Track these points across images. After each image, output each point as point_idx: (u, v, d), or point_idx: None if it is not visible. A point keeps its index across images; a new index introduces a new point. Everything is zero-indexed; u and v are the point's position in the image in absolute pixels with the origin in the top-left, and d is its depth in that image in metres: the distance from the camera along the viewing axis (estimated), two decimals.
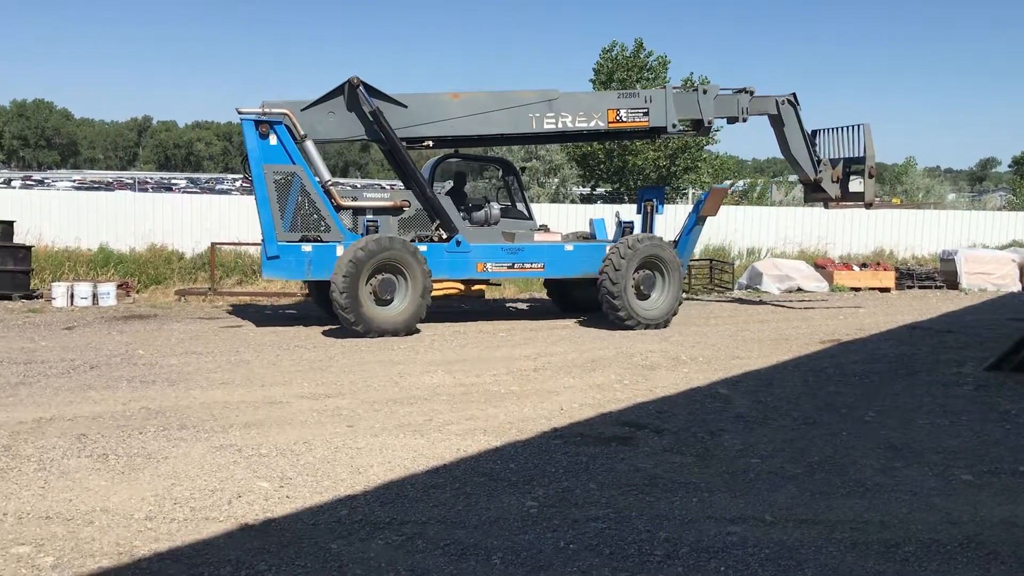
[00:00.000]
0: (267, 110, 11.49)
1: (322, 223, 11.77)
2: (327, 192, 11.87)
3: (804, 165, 14.26)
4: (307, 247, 11.59)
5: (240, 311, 14.50)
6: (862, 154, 14.08)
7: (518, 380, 9.00)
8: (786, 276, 19.13)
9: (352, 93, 11.86)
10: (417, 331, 11.96)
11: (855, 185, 14.34)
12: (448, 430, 6.99)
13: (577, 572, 4.36)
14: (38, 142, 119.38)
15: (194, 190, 65.23)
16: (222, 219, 20.02)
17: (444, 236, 12.42)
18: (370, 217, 12.05)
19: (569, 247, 12.98)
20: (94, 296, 14.82)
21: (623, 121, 13.11)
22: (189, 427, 6.93)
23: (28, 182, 61.67)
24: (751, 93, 13.77)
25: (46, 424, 6.95)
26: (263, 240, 11.64)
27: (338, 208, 11.98)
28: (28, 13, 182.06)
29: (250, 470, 5.89)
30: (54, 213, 19.57)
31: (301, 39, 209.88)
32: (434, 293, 12.56)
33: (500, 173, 14.66)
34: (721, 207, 14.38)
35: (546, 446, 6.60)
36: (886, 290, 19.75)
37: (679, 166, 33.13)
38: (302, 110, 11.74)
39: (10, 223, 15.68)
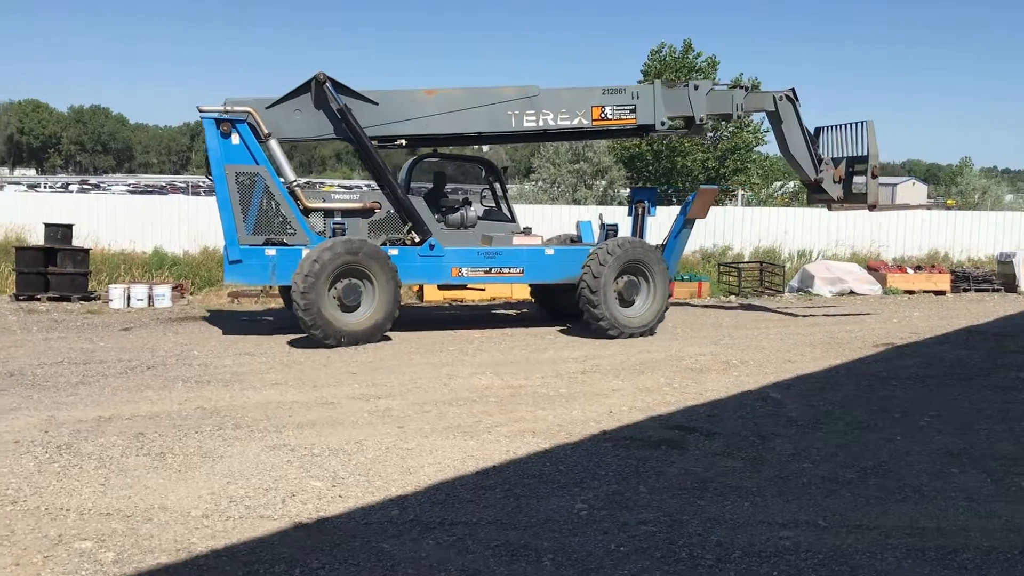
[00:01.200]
0: (229, 108, 11.01)
1: (287, 226, 11.24)
2: (292, 193, 11.38)
3: (804, 165, 13.54)
4: (271, 251, 11.10)
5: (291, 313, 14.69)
6: (865, 153, 13.37)
7: (566, 382, 9.00)
8: (838, 279, 18.86)
9: (319, 90, 11.34)
10: (387, 338, 11.41)
11: (858, 186, 13.68)
12: (497, 432, 7.02)
13: (628, 575, 4.35)
14: (94, 147, 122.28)
15: None
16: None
17: (417, 239, 11.87)
18: (337, 220, 11.56)
19: (550, 251, 12.38)
20: (149, 298, 15.12)
21: (608, 119, 12.51)
22: (243, 427, 7.05)
23: (84, 186, 63.12)
24: (747, 88, 13.26)
25: (105, 423, 7.11)
26: (225, 243, 11.15)
27: (305, 210, 11.48)
28: (84, 19, 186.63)
29: (303, 469, 5.97)
30: (110, 217, 20.02)
31: (363, 41, 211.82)
32: (461, 295, 12.65)
33: (482, 173, 14.08)
34: (711, 209, 13.72)
35: (595, 449, 6.59)
36: (941, 293, 19.37)
37: (728, 167, 32.88)
38: (267, 108, 11.25)
39: (69, 226, 16.06)
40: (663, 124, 12.67)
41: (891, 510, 5.31)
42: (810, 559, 4.54)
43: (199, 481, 5.71)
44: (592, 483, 5.78)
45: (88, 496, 5.40)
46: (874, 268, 20.15)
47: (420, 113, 11.87)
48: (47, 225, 15.77)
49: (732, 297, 17.85)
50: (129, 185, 69.08)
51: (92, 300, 15.47)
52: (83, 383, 8.65)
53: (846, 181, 13.70)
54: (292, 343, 11.20)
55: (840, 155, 13.82)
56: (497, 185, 13.30)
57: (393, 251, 11.47)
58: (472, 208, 12.67)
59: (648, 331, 12.06)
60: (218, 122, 10.92)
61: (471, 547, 4.68)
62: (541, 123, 12.19)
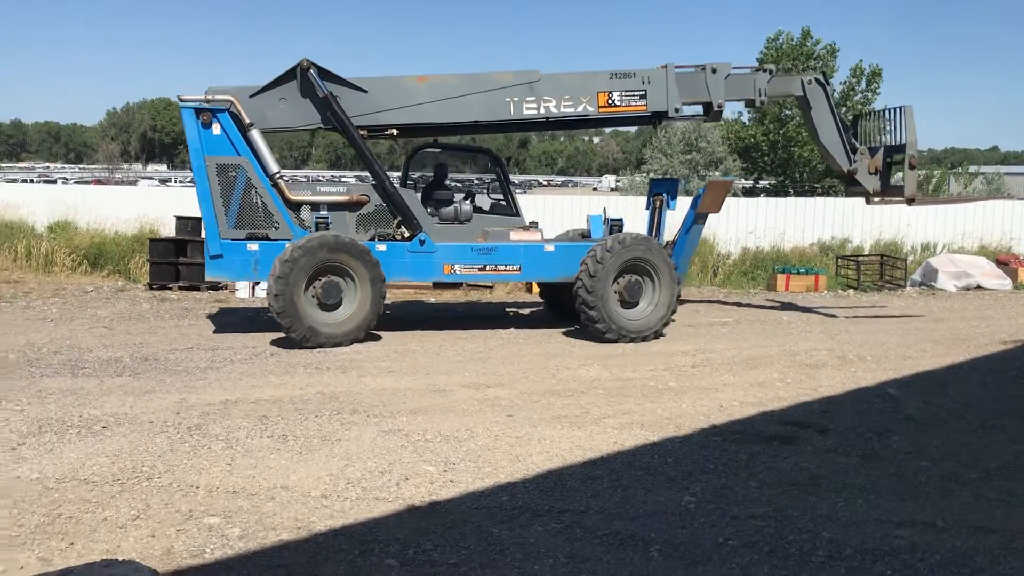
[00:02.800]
0: (210, 97, 10.60)
1: (270, 219, 10.81)
2: (275, 186, 10.84)
3: (836, 154, 12.53)
4: (253, 245, 10.66)
5: (402, 303, 15.05)
6: (903, 141, 12.12)
7: (676, 376, 8.95)
8: (964, 273, 18.05)
9: (304, 77, 10.81)
10: (376, 337, 11.01)
11: (896, 177, 12.60)
12: (605, 423, 7.06)
13: (736, 568, 4.34)
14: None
15: None
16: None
17: (407, 234, 11.27)
18: (320, 213, 10.98)
19: (550, 247, 11.50)
20: None
21: (616, 105, 11.63)
22: (360, 412, 7.30)
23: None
24: (771, 72, 12.28)
25: (232, 406, 7.49)
26: (205, 238, 10.82)
27: (289, 203, 10.95)
28: (201, 14, 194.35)
29: (416, 454, 6.16)
30: None
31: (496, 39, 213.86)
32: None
33: (484, 164, 13.43)
34: (725, 202, 12.65)
35: (705, 442, 6.56)
36: None
37: None
38: (250, 97, 10.79)
39: (198, 219, 16.84)
40: (676, 111, 11.78)
41: (1017, 513, 5.12)
42: (927, 559, 4.43)
43: (318, 463, 5.96)
44: (700, 476, 5.77)
45: (216, 475, 5.72)
46: (1004, 262, 19.19)
47: (411, 101, 11.25)
48: (178, 218, 16.57)
49: (850, 292, 17.31)
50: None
51: (219, 290, 16.19)
52: (211, 368, 9.11)
53: (884, 172, 12.61)
54: (407, 333, 11.49)
55: (878, 144, 12.75)
56: (500, 177, 12.57)
57: (381, 247, 10.95)
58: (467, 201, 11.94)
59: (653, 335, 11.10)
60: (198, 112, 10.53)
61: (578, 535, 4.75)
62: (542, 111, 11.45)
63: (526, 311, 13.52)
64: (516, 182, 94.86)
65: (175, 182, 61.52)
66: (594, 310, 10.74)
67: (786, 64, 32.09)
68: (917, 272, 18.77)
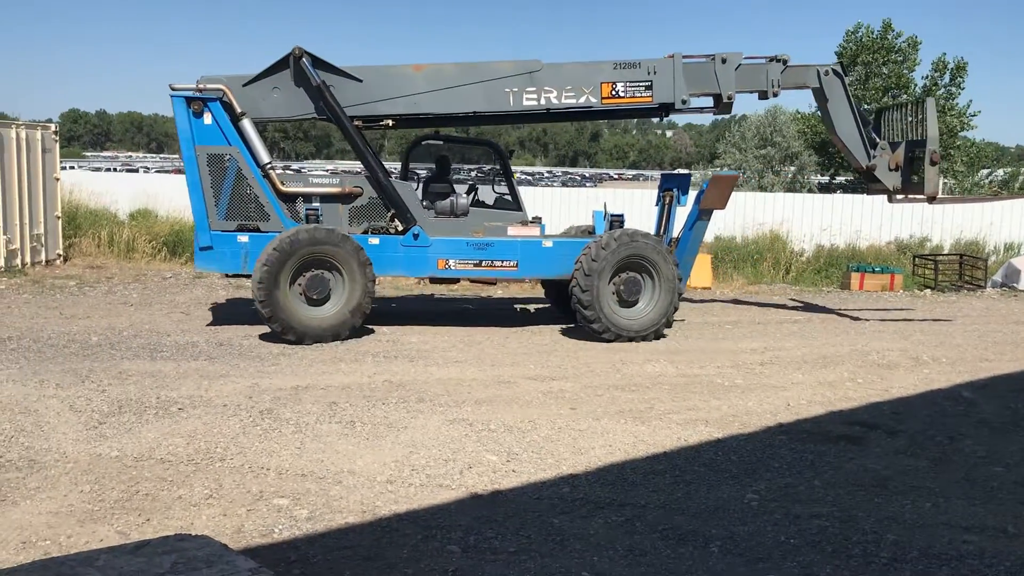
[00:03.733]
0: (202, 86, 10.42)
1: (261, 211, 10.57)
2: (266, 176, 10.59)
3: (853, 149, 11.92)
4: (243, 237, 10.42)
5: (473, 295, 15.17)
6: (925, 136, 11.50)
7: (743, 373, 8.87)
8: None
9: (297, 66, 10.56)
10: (370, 331, 10.76)
11: (919, 174, 11.81)
12: (669, 419, 7.04)
13: (797, 567, 4.31)
14: (296, 134, 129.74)
15: None
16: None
17: (400, 228, 10.96)
18: (311, 205, 10.70)
19: (548, 243, 11.10)
20: None
21: (620, 96, 11.18)
22: (426, 400, 7.42)
23: (288, 172, 67.05)
24: (784, 62, 11.52)
25: (302, 392, 7.68)
26: (195, 229, 10.59)
27: (280, 195, 10.68)
28: (279, 12, 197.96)
29: (480, 444, 6.24)
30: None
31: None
32: None
33: (486, 156, 13.03)
34: (731, 198, 11.93)
35: (770, 441, 6.51)
36: None
37: None
38: (243, 85, 10.56)
39: None
40: (684, 102, 11.30)
41: None
42: (995, 566, 4.33)
43: (385, 449, 6.09)
44: (764, 474, 5.73)
45: (286, 458, 5.88)
46: None
47: (408, 91, 10.93)
48: None
49: (927, 292, 16.88)
50: (327, 171, 72.81)
51: None
52: (283, 354, 9.34)
53: (905, 168, 11.91)
54: (473, 325, 11.59)
55: (900, 139, 12.12)
56: (502, 170, 12.20)
57: (374, 240, 10.68)
58: (464, 195, 11.62)
59: (653, 335, 10.70)
60: (189, 101, 10.32)
61: (639, 528, 4.77)
62: (543, 102, 11.08)
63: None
64: (587, 175, 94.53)
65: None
66: (589, 308, 10.39)
67: (866, 57, 31.33)
68: (998, 273, 18.20)
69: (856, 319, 12.90)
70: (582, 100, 11.17)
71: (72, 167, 37.40)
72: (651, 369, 8.97)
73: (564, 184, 63.67)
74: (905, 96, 31.06)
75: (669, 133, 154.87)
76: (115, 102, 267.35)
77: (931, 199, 11.88)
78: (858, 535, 4.70)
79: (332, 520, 4.85)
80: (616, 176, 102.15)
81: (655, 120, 14.19)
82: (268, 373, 8.41)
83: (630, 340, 10.50)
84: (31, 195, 15.55)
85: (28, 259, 15.47)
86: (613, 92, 11.20)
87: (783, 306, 14.24)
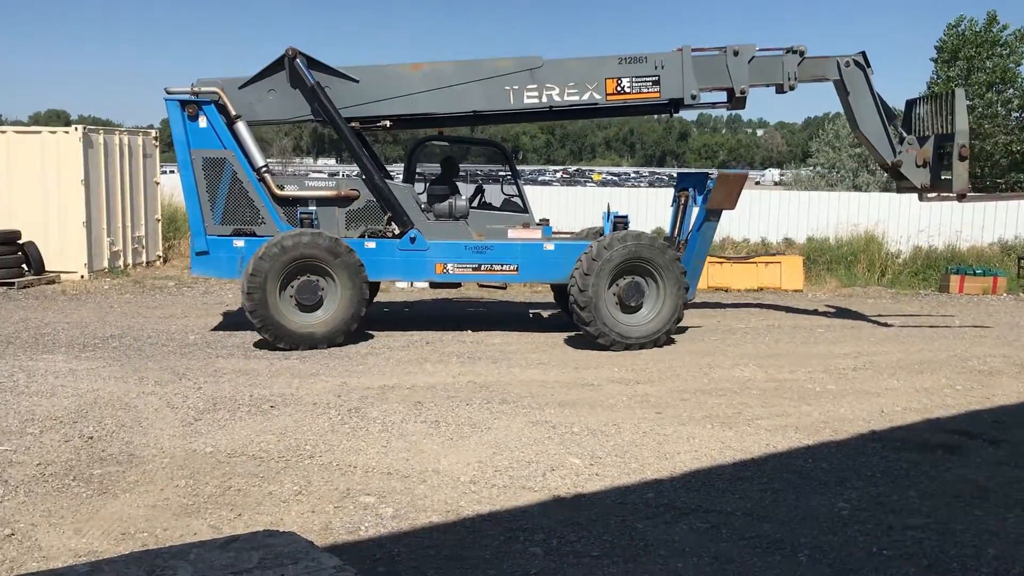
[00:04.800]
0: (197, 89, 10.25)
1: (256, 215, 10.33)
2: (261, 180, 10.36)
3: (877, 144, 11.25)
4: (239, 242, 10.20)
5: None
6: (953, 129, 10.79)
7: (835, 379, 8.64)
8: None
9: (291, 66, 10.35)
10: (370, 335, 10.59)
11: (947, 170, 11.10)
12: (757, 424, 6.91)
13: None
14: (385, 138, 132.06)
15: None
16: (544, 210, 20.93)
17: (397, 231, 10.62)
18: (305, 209, 10.43)
19: (549, 246, 10.61)
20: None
21: (626, 92, 10.73)
22: (509, 402, 7.45)
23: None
24: (801, 53, 10.92)
25: (389, 391, 7.80)
26: (191, 234, 10.49)
27: (276, 198, 10.42)
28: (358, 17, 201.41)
29: (563, 446, 6.23)
30: None
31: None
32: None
33: (492, 158, 12.54)
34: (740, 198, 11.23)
35: (862, 448, 6.32)
36: None
37: None
38: (239, 88, 10.38)
39: None
40: (694, 97, 10.82)
41: None
42: None
43: (468, 450, 6.13)
44: (856, 483, 5.56)
45: (372, 456, 5.98)
46: None
47: (405, 90, 10.62)
48: None
49: None
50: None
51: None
52: (371, 354, 9.50)
53: (935, 164, 11.19)
54: (555, 326, 11.58)
55: (928, 132, 11.37)
56: (507, 171, 11.81)
57: (370, 244, 10.41)
58: (462, 197, 11.22)
59: (656, 342, 10.19)
60: (184, 104, 10.15)
61: (724, 536, 4.69)
62: (545, 99, 10.69)
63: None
64: (675, 175, 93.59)
65: (342, 175, 64.21)
66: (586, 311, 9.93)
67: (968, 52, 30.15)
68: None
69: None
70: (586, 97, 10.79)
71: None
72: (739, 373, 8.81)
73: (651, 184, 63.12)
74: (1012, 91, 29.79)
75: (760, 132, 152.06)
76: None
77: (960, 197, 11.22)
78: (956, 549, 4.52)
79: (416, 519, 4.91)
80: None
81: (659, 116, 13.25)
82: (356, 372, 8.56)
83: (626, 348, 10.00)
84: (133, 199, 16.21)
85: (130, 260, 16.13)
86: (618, 88, 10.79)
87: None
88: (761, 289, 15.69)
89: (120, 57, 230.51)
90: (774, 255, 16.62)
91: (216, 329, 10.71)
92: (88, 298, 13.32)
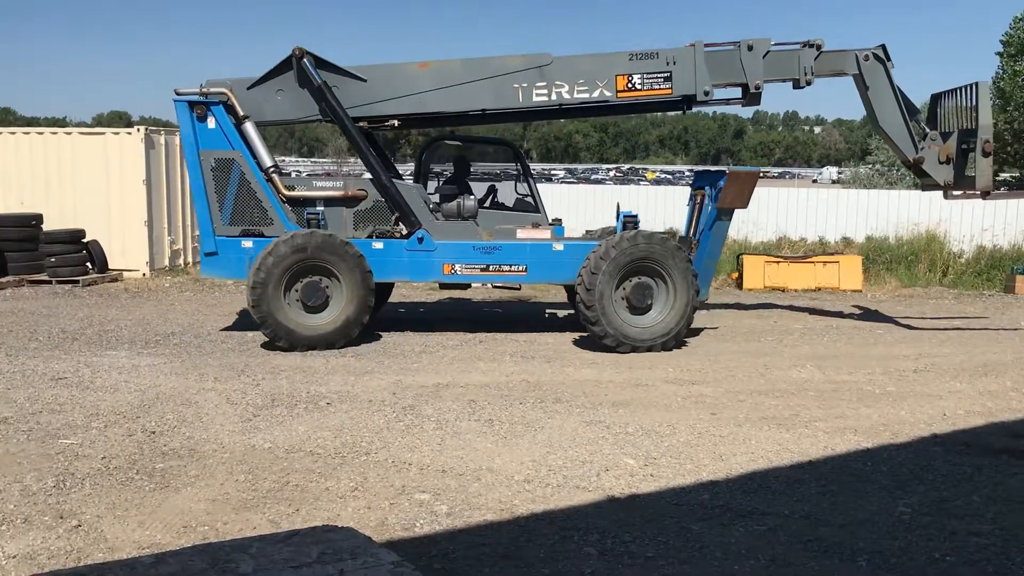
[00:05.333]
0: (206, 90, 10.27)
1: (264, 215, 10.29)
2: (269, 180, 10.33)
3: (898, 140, 10.88)
4: (248, 243, 10.17)
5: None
6: (976, 124, 10.38)
7: (895, 380, 8.47)
8: None
9: (299, 66, 10.30)
10: (378, 337, 10.53)
11: (971, 167, 10.63)
12: (815, 427, 6.81)
13: None
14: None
15: (572, 180, 68.77)
16: (596, 208, 20.86)
17: (405, 232, 10.48)
18: (311, 210, 10.35)
19: (558, 246, 10.40)
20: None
21: (637, 89, 10.55)
22: (563, 401, 7.44)
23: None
24: (819, 47, 10.65)
25: (443, 389, 7.85)
26: (200, 234, 10.49)
27: (285, 199, 10.40)
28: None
29: (617, 446, 6.21)
30: None
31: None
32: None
33: (504, 157, 12.43)
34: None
35: (924, 452, 6.19)
36: None
37: None
38: (248, 88, 10.37)
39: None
40: (707, 94, 10.61)
41: None
42: None
43: (522, 448, 6.14)
44: (917, 487, 5.45)
45: (427, 453, 6.02)
46: None
47: (413, 89, 10.52)
48: None
49: None
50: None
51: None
52: (425, 352, 9.57)
53: (958, 161, 10.76)
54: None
55: (952, 127, 10.93)
56: (519, 170, 11.65)
57: (378, 244, 10.30)
58: (471, 197, 11.02)
59: (667, 344, 9.93)
60: (192, 105, 10.15)
61: (781, 539, 4.63)
62: (554, 97, 10.55)
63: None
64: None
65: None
66: (591, 310, 9.75)
67: None
68: None
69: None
70: (596, 94, 10.62)
71: None
72: (797, 375, 8.69)
73: None
74: None
75: (817, 129, 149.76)
76: None
77: (985, 194, 10.85)
78: (1021, 555, 4.40)
79: (471, 517, 4.93)
80: (761, 174, 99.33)
81: (671, 112, 12.84)
82: (411, 370, 8.63)
83: (633, 350, 9.80)
84: None
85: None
86: (629, 85, 10.60)
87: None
88: (819, 289, 15.46)
89: (179, 59, 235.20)
90: (832, 254, 16.36)
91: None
92: (149, 296, 13.64)
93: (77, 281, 14.40)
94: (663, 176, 74.01)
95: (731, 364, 9.14)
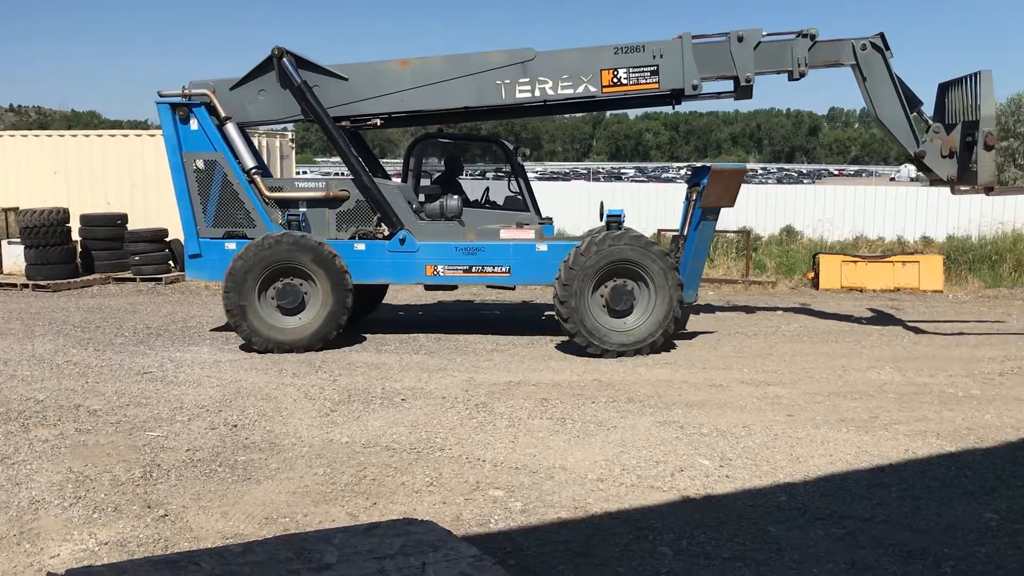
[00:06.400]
0: (188, 92, 10.14)
1: (247, 217, 10.17)
2: (252, 182, 10.19)
3: (898, 133, 10.35)
4: (231, 244, 10.05)
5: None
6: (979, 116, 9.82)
7: (980, 383, 8.22)
8: None
9: (278, 66, 10.12)
10: (363, 337, 10.44)
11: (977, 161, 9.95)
12: (895, 429, 6.65)
13: None
14: (507, 137, 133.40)
15: (642, 179, 68.35)
16: (667, 206, 20.71)
17: (387, 232, 10.25)
18: (292, 211, 10.18)
19: (542, 247, 10.07)
20: None
21: (623, 84, 10.16)
22: (636, 401, 7.41)
23: (499, 173, 68.77)
24: (813, 37, 10.15)
25: (515, 387, 7.89)
26: (184, 237, 10.42)
27: (267, 200, 10.25)
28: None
29: (691, 447, 6.16)
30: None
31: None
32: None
33: (493, 155, 12.12)
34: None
35: (1011, 456, 6.00)
36: None
37: None
38: (231, 89, 10.25)
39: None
40: (695, 88, 10.19)
41: None
42: None
43: (595, 447, 6.14)
44: (1006, 493, 5.29)
45: (500, 450, 6.06)
46: None
47: (394, 88, 10.28)
48: None
49: None
50: (537, 172, 74.26)
51: None
52: (496, 350, 9.63)
53: (963, 155, 10.16)
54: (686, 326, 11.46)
55: (956, 119, 10.32)
56: (509, 168, 11.24)
57: (360, 245, 10.12)
58: (454, 196, 10.63)
59: (648, 348, 9.54)
60: (175, 107, 10.08)
61: (862, 542, 4.55)
62: (538, 93, 10.19)
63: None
64: (804, 172, 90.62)
65: (466, 175, 65.00)
66: (569, 321, 9.45)
67: None
68: None
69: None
70: (580, 90, 10.25)
71: (306, 172, 40.39)
72: (876, 376, 8.50)
73: (780, 181, 61.50)
74: None
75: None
76: None
77: (988, 190, 10.24)
78: None
79: (545, 514, 4.95)
80: (836, 172, 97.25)
81: (667, 108, 12.30)
82: (482, 368, 8.70)
83: (620, 355, 9.44)
84: None
85: None
86: (614, 79, 10.21)
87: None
88: (898, 289, 15.07)
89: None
90: (911, 254, 15.95)
91: (349, 325, 11.04)
92: None
93: (160, 279, 14.87)
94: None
95: (808, 365, 8.99)
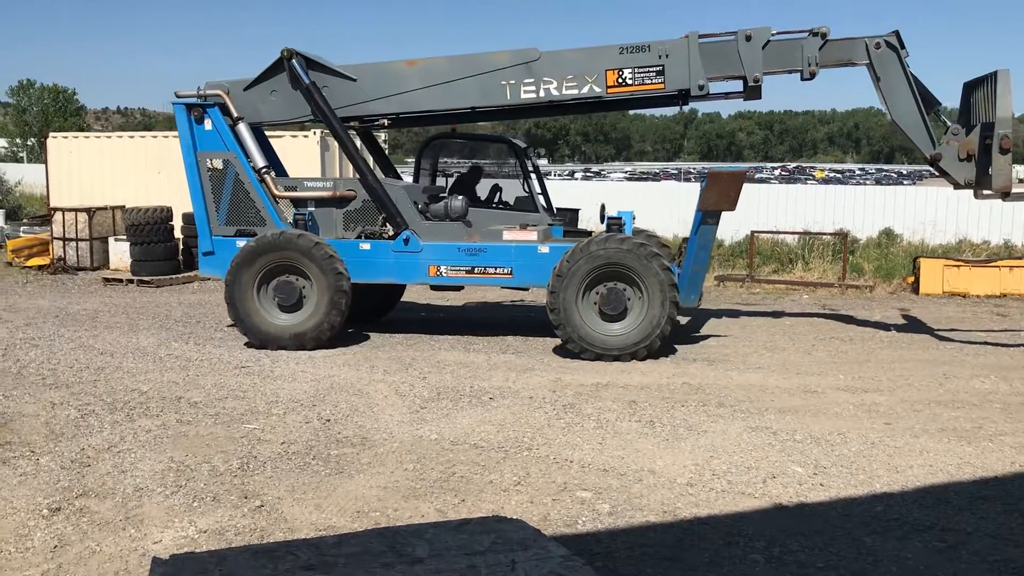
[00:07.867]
0: (203, 92, 10.32)
1: (258, 215, 10.31)
2: (262, 181, 10.32)
3: (914, 135, 9.90)
4: (242, 242, 10.15)
5: (774, 299, 14.68)
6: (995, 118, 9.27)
7: None
8: None
9: (288, 67, 10.22)
10: (370, 336, 10.43)
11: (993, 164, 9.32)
12: (1001, 441, 6.39)
13: None
14: (597, 137, 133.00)
15: None
16: (760, 207, 20.31)
17: (392, 232, 10.23)
18: (299, 211, 10.27)
19: (544, 248, 9.94)
20: None
21: (628, 84, 9.97)
22: (726, 406, 7.30)
23: (588, 174, 68.71)
24: (824, 36, 9.76)
25: (603, 389, 7.86)
26: (198, 234, 10.60)
27: (277, 199, 10.37)
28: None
29: (784, 454, 6.04)
30: (609, 201, 21.61)
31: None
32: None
33: (503, 155, 11.94)
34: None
35: None
36: None
37: None
38: (244, 90, 10.39)
39: (576, 211, 17.70)
40: (701, 88, 9.93)
41: None
42: None
43: (684, 451, 6.07)
44: None
45: (587, 452, 6.05)
46: None
47: (401, 88, 10.29)
48: (557, 209, 17.55)
49: None
50: (626, 172, 73.81)
51: None
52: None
53: (982, 158, 9.66)
54: (776, 329, 11.23)
55: (976, 120, 9.74)
56: (520, 169, 11.12)
57: (365, 245, 10.15)
58: (458, 197, 10.56)
59: (641, 352, 9.30)
60: (190, 108, 10.29)
61: (963, 557, 4.39)
62: (543, 93, 10.10)
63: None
64: (904, 172, 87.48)
65: (554, 176, 65.02)
66: (560, 328, 9.35)
67: None
68: None
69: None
70: (585, 90, 10.12)
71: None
72: (980, 385, 8.18)
73: (878, 182, 59.63)
74: None
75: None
76: None
77: (1004, 195, 9.65)
78: None
79: (633, 517, 4.92)
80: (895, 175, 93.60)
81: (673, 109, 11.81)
82: (570, 369, 8.69)
83: (615, 359, 9.25)
84: None
85: None
86: (619, 80, 10.05)
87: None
88: (1004, 296, 14.46)
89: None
90: (1020, 259, 15.28)
91: (437, 324, 11.20)
92: None
93: None
94: (832, 175, 70.87)
95: (907, 372, 8.70)
